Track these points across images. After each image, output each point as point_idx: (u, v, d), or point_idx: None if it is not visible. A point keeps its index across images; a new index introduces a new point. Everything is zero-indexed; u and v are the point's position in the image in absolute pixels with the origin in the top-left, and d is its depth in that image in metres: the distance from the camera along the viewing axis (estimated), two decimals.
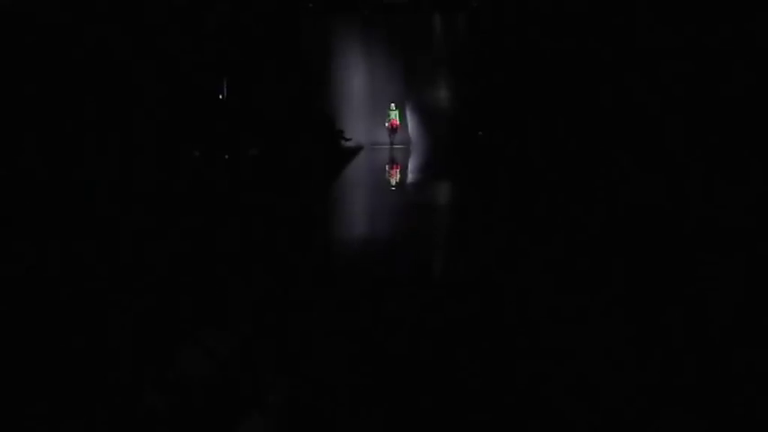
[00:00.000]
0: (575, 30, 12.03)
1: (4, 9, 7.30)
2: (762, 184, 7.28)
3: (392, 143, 16.69)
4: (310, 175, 10.98)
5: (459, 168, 12.57)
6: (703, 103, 8.89)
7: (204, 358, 2.96)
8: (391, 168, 12.75)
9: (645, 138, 9.93)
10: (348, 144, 15.90)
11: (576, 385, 2.51)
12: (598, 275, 4.21)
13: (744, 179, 7.63)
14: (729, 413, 2.29)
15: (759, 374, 2.57)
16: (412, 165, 13.31)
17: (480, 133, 15.50)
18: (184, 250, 5.04)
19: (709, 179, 7.95)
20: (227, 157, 11.82)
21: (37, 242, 5.21)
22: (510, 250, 5.03)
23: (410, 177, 11.32)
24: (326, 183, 9.92)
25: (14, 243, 5.19)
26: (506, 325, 3.25)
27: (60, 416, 2.36)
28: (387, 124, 16.72)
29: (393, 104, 16.65)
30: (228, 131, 12.03)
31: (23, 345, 3.06)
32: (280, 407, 2.45)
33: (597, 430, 2.21)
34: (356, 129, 16.62)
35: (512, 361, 2.77)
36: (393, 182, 10.80)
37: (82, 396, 2.50)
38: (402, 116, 16.84)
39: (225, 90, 12.82)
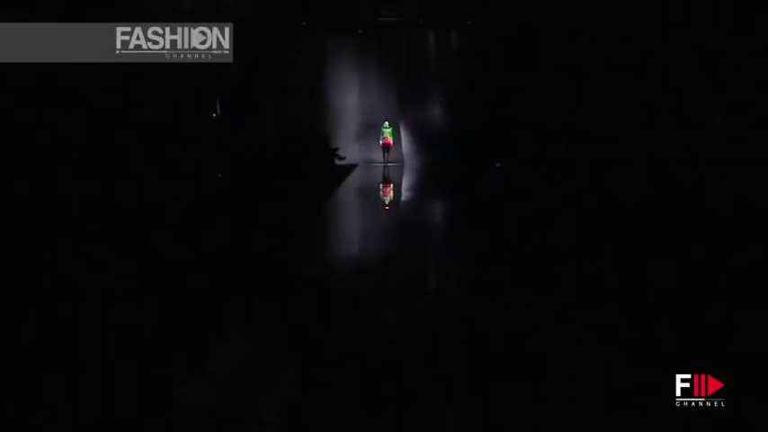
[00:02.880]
0: (569, 46, 12.08)
1: None
2: None
3: (386, 161, 16.70)
4: (307, 191, 10.97)
5: (452, 186, 12.56)
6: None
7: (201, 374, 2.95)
8: (384, 186, 12.74)
9: (641, 147, 9.92)
10: (342, 162, 15.89)
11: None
12: (593, 287, 4.17)
13: None
14: None
15: None
16: (405, 183, 13.30)
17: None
18: (181, 265, 5.01)
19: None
20: (220, 176, 11.78)
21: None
22: (500, 270, 4.99)
23: (403, 195, 11.31)
24: (321, 199, 9.94)
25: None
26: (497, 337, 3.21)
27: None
28: (380, 142, 16.74)
29: (387, 122, 16.68)
30: (221, 152, 12.01)
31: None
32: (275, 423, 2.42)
33: None
34: (350, 147, 16.65)
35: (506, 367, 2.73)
36: (386, 200, 10.79)
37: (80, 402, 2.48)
38: (396, 134, 16.86)
39: (217, 110, 12.80)
